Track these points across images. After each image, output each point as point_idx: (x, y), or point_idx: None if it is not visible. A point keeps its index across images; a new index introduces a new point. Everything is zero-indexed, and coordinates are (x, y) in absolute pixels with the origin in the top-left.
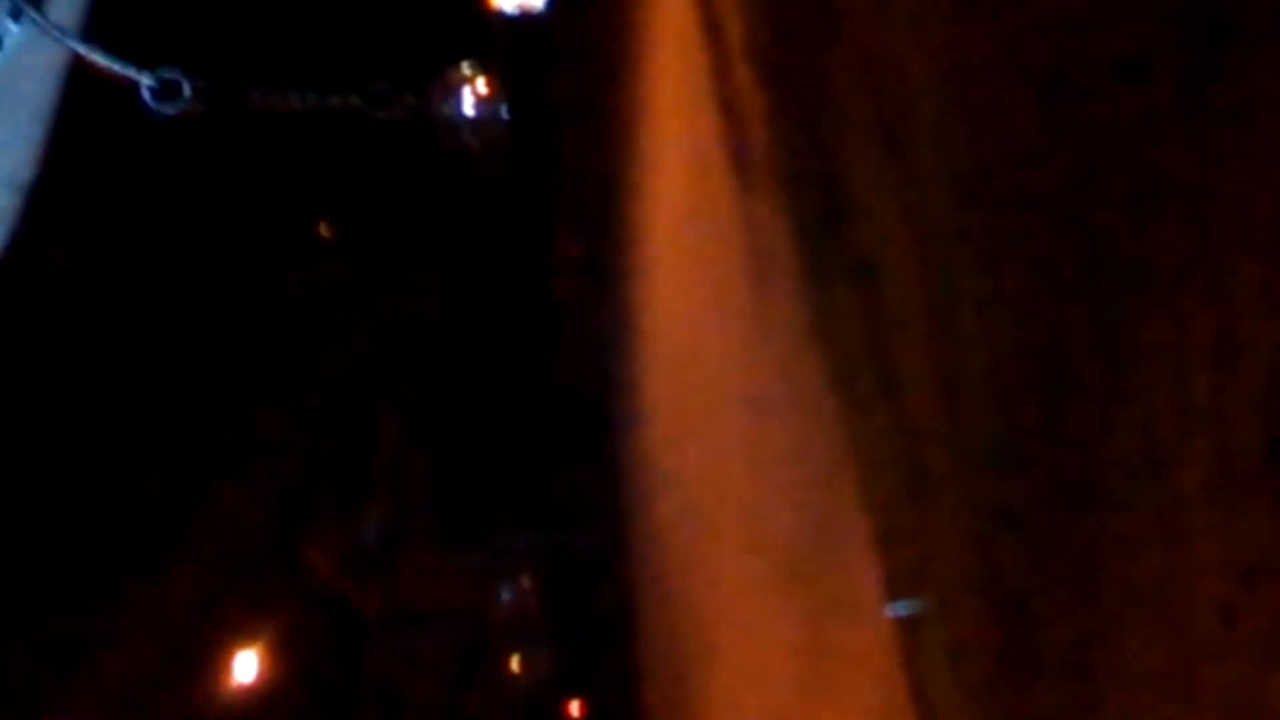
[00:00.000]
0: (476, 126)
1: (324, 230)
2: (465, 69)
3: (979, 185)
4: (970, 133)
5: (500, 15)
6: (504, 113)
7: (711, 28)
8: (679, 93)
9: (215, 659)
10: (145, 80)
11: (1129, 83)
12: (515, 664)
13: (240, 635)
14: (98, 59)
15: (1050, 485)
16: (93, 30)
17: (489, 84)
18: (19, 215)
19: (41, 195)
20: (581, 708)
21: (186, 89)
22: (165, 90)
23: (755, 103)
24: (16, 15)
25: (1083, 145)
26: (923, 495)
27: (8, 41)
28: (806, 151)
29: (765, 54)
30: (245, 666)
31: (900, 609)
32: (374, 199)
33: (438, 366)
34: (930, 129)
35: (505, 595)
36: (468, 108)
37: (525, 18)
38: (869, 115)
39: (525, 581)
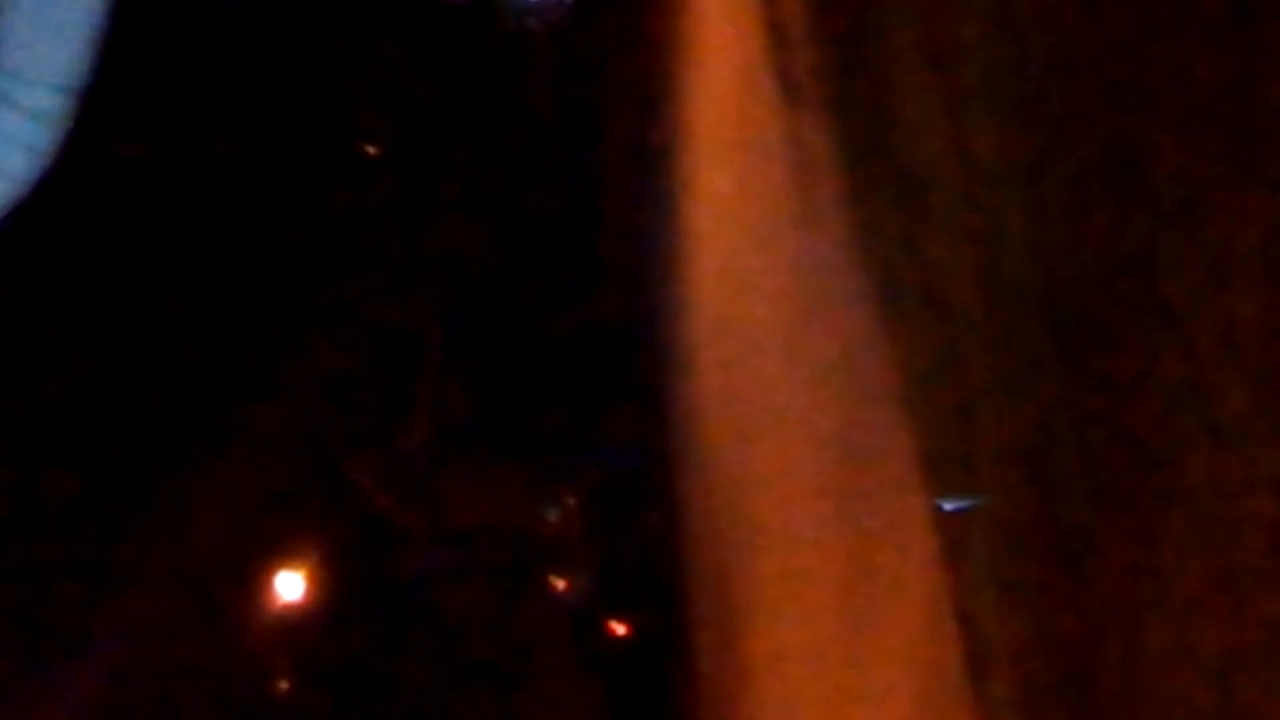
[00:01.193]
0: (538, 8)
1: (369, 147)
2: None
3: (1025, 102)
4: (1017, 51)
5: None
6: None
7: None
8: (725, 13)
9: (256, 580)
10: None
11: None
12: (559, 583)
13: (282, 555)
14: None
15: (1096, 401)
16: None
17: None
18: (72, 116)
19: (95, 95)
20: (626, 626)
21: None
22: None
23: (801, 24)
24: None
25: (1129, 60)
26: (969, 412)
27: None
28: (852, 72)
29: None
30: (288, 586)
31: (952, 507)
32: (423, 114)
33: (484, 285)
34: (976, 47)
35: (550, 514)
36: None
37: None
38: (914, 36)
39: (570, 500)
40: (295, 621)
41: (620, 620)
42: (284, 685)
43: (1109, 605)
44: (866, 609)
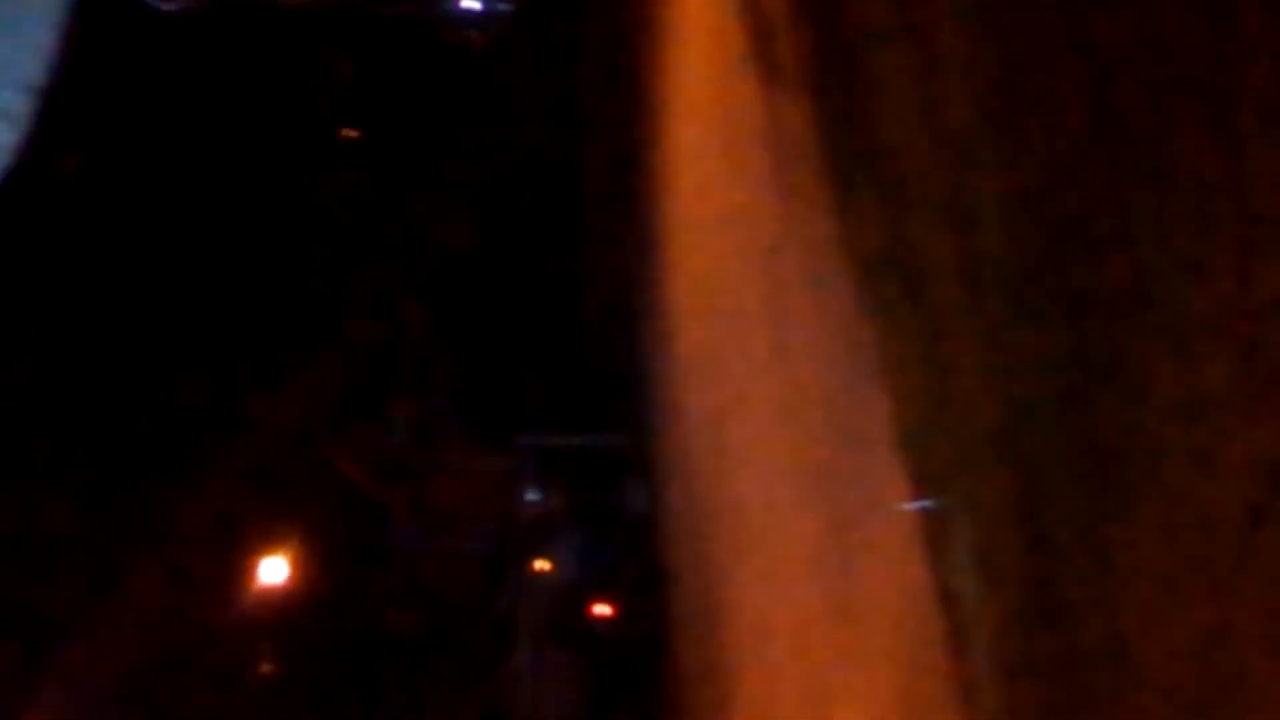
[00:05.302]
0: (478, 21)
1: (347, 134)
2: None
3: (1001, 81)
4: (993, 31)
5: None
6: (505, 5)
7: None
8: (709, 1)
9: (242, 562)
10: None
11: None
12: (542, 565)
13: (267, 538)
14: None
15: (1074, 380)
16: None
17: None
18: (33, 118)
19: (55, 98)
20: (608, 609)
21: None
22: None
23: (779, 7)
24: None
25: (1105, 39)
26: (948, 393)
27: None
28: (830, 54)
29: None
30: (273, 569)
31: (926, 505)
32: (397, 102)
33: (465, 268)
34: (952, 28)
35: (532, 496)
36: (466, 1)
37: None
38: (891, 17)
39: (552, 483)
40: (279, 604)
41: (603, 601)
42: (268, 667)
43: (1087, 581)
44: (848, 581)
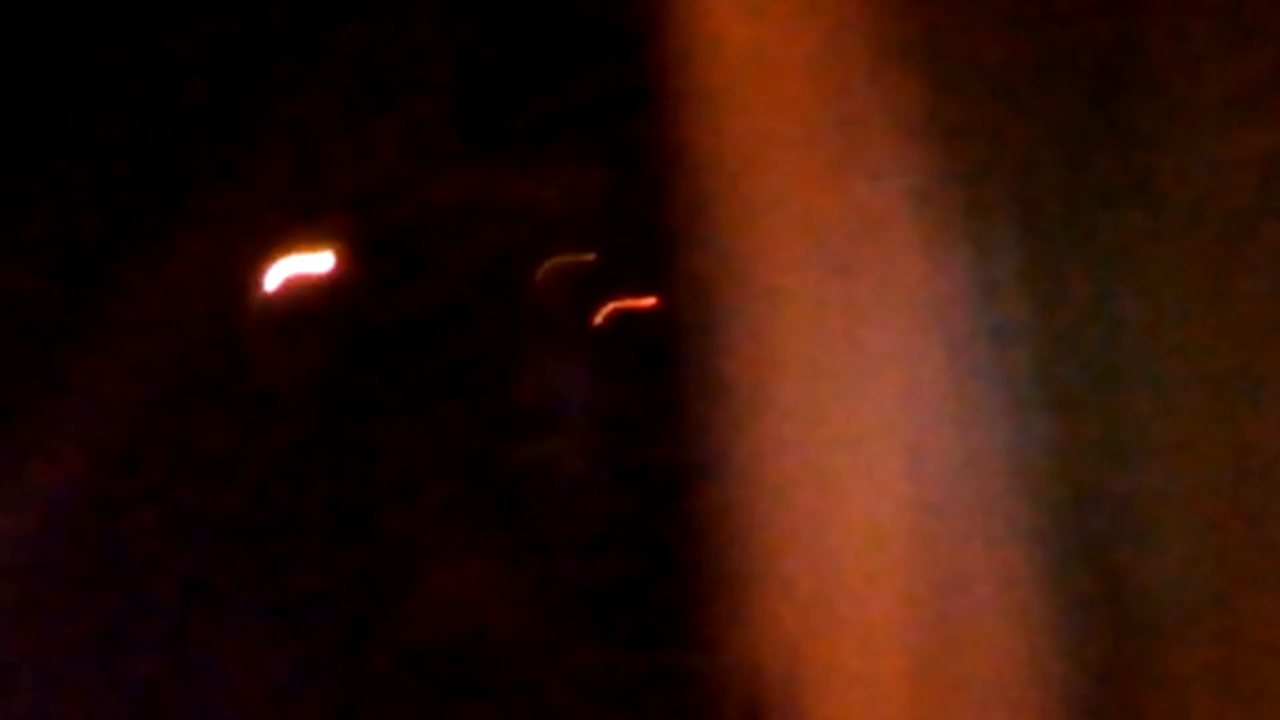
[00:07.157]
0: None
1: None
2: None
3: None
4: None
5: None
6: None
7: None
8: None
9: (251, 262)
10: None
11: None
12: (567, 260)
13: (280, 237)
14: None
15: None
16: None
17: None
18: None
19: None
20: (646, 306)
21: None
22: None
23: None
24: None
25: None
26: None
27: None
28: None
29: None
30: (283, 267)
31: None
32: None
33: None
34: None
35: (559, 192)
36: None
37: None
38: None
39: (581, 178)
40: (308, 296)
41: (638, 297)
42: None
43: (1113, 273)
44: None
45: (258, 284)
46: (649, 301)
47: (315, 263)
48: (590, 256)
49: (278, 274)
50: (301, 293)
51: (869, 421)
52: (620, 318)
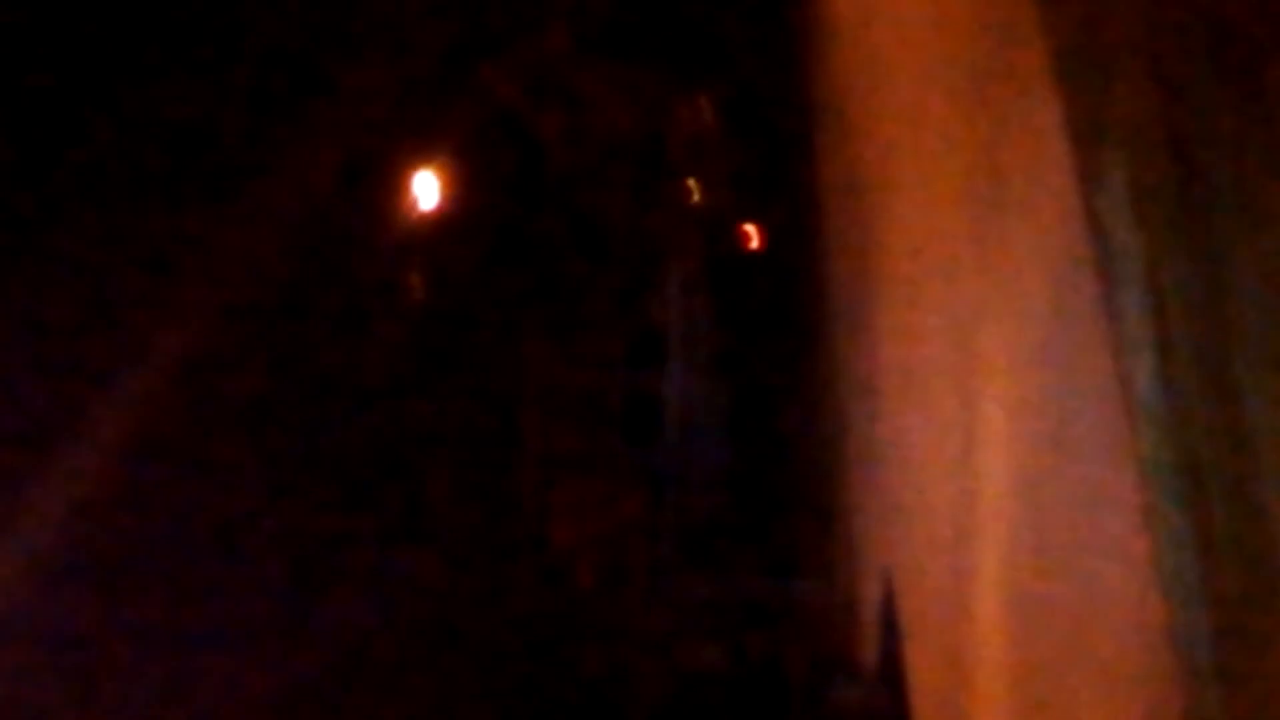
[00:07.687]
0: None
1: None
2: None
3: None
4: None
5: None
6: None
7: None
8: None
9: (392, 179)
10: None
11: None
12: (693, 188)
13: (418, 155)
14: None
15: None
16: None
17: None
18: None
19: None
20: (758, 232)
21: None
22: None
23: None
24: None
25: None
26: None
27: None
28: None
29: None
30: (424, 186)
31: None
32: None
33: None
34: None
35: (685, 119)
36: None
37: None
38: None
39: (705, 106)
40: (430, 221)
41: (752, 224)
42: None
43: (1231, 219)
44: (998, 207)
45: (409, 204)
46: (773, 245)
47: (456, 188)
48: (721, 193)
49: (426, 196)
50: (443, 216)
51: (983, 386)
52: (746, 257)
